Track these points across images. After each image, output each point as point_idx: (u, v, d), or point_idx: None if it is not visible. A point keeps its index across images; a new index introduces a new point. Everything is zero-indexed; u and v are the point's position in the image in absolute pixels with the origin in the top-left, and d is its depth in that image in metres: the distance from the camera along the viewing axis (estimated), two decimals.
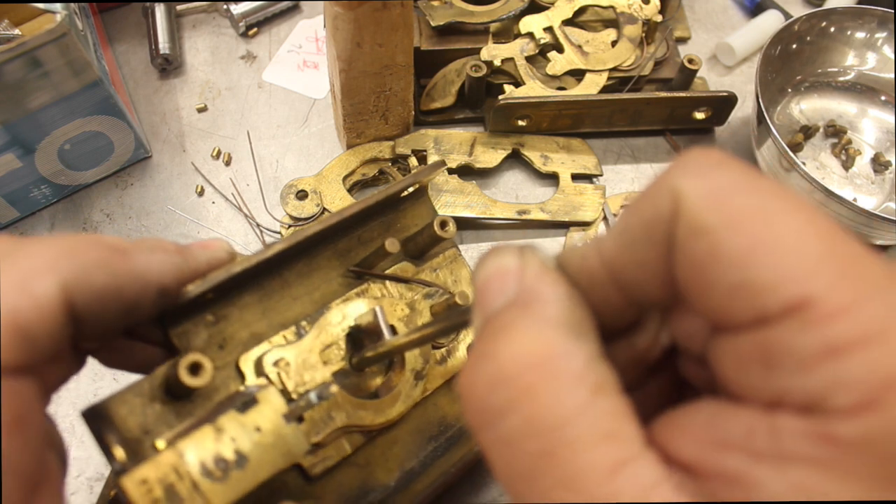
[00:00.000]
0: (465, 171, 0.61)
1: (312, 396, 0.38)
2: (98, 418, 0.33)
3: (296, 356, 0.39)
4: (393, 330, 0.42)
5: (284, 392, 0.38)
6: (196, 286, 0.35)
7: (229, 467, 0.33)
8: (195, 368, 0.33)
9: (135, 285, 0.29)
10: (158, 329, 0.37)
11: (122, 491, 0.30)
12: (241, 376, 0.38)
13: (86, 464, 0.48)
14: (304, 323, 0.41)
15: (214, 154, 0.62)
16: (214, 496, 0.32)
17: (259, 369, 0.38)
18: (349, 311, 0.42)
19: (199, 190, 0.60)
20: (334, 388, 0.39)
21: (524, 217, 0.59)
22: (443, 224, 0.45)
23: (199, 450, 0.32)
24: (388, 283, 0.45)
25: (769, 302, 0.17)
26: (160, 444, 0.33)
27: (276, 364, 0.39)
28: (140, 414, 0.34)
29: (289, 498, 0.38)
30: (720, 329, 0.18)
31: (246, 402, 0.35)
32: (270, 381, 0.38)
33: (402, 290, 0.46)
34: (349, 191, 0.59)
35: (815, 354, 0.16)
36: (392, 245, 0.43)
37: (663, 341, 0.22)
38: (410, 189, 0.46)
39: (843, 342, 0.16)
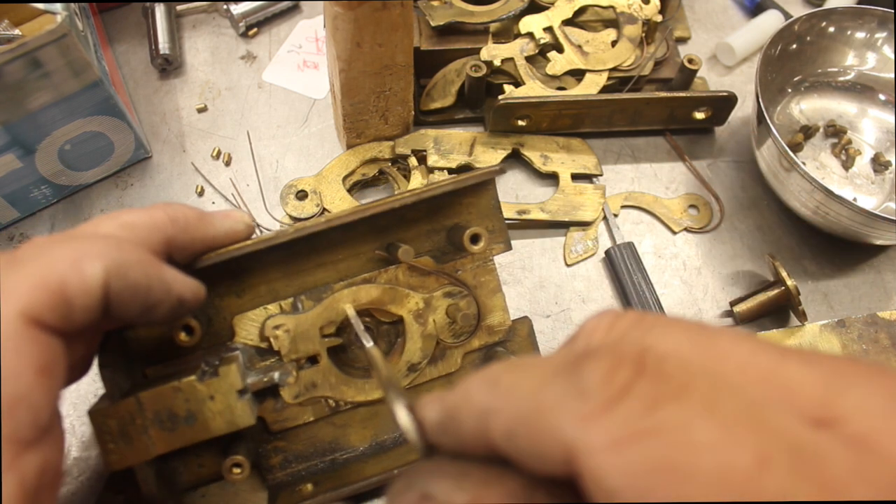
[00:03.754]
0: (466, 171, 0.61)
1: (275, 376, 0.41)
2: (118, 344, 0.39)
3: (297, 325, 0.42)
4: (372, 333, 0.45)
5: (278, 354, 0.42)
6: (225, 253, 0.39)
7: (178, 421, 0.37)
8: (189, 329, 0.40)
9: (160, 290, 0.33)
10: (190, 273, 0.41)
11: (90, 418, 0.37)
12: (232, 333, 0.42)
13: (86, 464, 0.48)
14: (322, 291, 0.43)
15: (214, 154, 0.62)
16: (160, 441, 0.37)
17: (262, 331, 0.42)
18: (361, 295, 0.43)
19: (199, 190, 0.60)
20: (291, 379, 0.42)
21: (524, 217, 0.59)
22: (473, 238, 0.43)
23: (156, 403, 0.37)
24: (414, 270, 0.44)
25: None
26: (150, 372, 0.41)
27: (276, 328, 0.42)
28: (158, 341, 0.41)
29: (260, 440, 0.43)
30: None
31: (207, 372, 0.38)
32: (269, 343, 0.42)
33: (426, 281, 0.45)
34: (349, 191, 0.59)
35: None
36: (405, 254, 0.42)
37: None
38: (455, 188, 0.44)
39: None
